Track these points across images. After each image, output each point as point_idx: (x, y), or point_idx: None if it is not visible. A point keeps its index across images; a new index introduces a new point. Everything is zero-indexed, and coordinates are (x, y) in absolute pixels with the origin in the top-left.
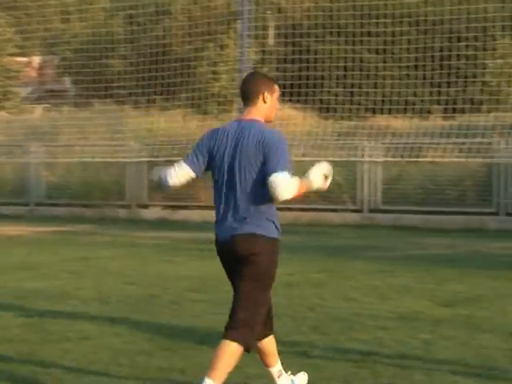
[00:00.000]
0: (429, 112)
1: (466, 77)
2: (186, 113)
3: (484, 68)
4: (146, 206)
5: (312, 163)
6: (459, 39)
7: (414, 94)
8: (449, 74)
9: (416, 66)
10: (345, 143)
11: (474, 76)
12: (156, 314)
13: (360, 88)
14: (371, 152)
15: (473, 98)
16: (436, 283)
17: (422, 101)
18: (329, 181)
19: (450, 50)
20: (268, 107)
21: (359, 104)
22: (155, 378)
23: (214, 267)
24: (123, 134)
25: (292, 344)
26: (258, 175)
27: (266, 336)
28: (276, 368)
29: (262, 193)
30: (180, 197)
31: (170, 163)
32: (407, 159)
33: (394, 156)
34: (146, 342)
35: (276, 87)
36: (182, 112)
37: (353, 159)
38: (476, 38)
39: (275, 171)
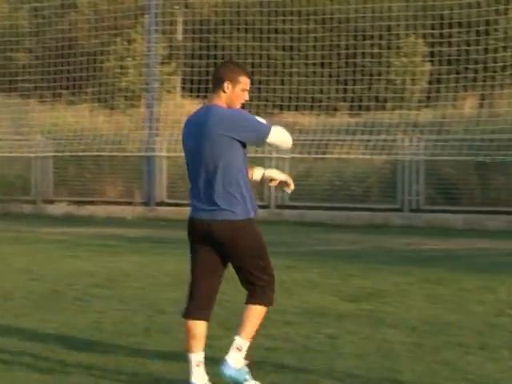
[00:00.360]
0: (335, 109)
1: (371, 75)
2: (93, 107)
3: (389, 66)
4: (51, 202)
5: None
6: (364, 37)
7: (321, 91)
8: (354, 72)
9: (323, 64)
10: None
11: (379, 74)
12: (60, 311)
13: (267, 84)
14: (278, 149)
15: (378, 96)
16: (341, 278)
17: (329, 98)
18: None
19: (356, 48)
20: (227, 96)
21: (267, 100)
22: (58, 374)
23: (120, 263)
24: (29, 129)
25: None
26: (225, 157)
27: (206, 318)
28: (198, 356)
29: (231, 175)
30: (86, 192)
31: (77, 158)
32: (314, 156)
33: (301, 152)
34: (50, 339)
35: (242, 79)
36: (89, 107)
37: (260, 155)
38: (381, 37)
39: (264, 137)
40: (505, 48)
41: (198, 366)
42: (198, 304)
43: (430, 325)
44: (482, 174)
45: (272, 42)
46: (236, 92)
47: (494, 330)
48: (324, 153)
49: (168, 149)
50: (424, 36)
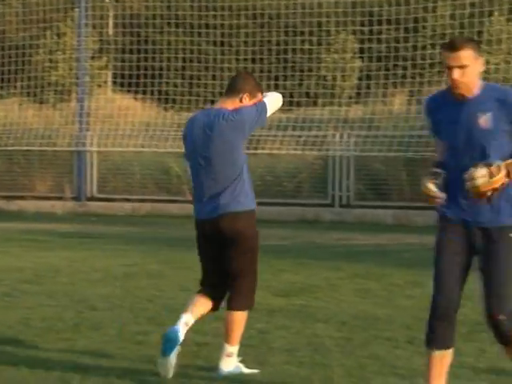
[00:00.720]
0: None
1: (302, 71)
2: (22, 101)
3: (319, 62)
4: None
5: (151, 154)
6: (295, 33)
7: None
8: (286, 68)
9: (254, 59)
10: (176, 134)
11: (310, 70)
12: None
13: (199, 79)
14: None
15: (309, 92)
16: (272, 274)
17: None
18: None
19: (287, 44)
20: (241, 106)
21: (198, 95)
22: None
23: (50, 258)
24: None
25: (128, 335)
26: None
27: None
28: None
29: (232, 172)
30: (15, 187)
31: (6, 152)
32: (247, 151)
33: None
34: None
35: (258, 94)
36: (18, 100)
37: None
38: (312, 33)
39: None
40: (433, 45)
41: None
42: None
43: (359, 319)
44: (411, 170)
45: (203, 37)
46: (247, 104)
47: (423, 325)
48: (256, 148)
49: (99, 143)
50: (354, 33)
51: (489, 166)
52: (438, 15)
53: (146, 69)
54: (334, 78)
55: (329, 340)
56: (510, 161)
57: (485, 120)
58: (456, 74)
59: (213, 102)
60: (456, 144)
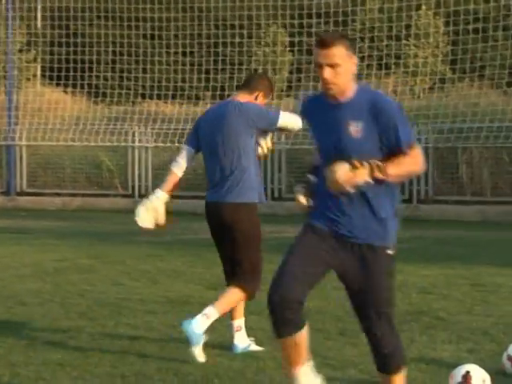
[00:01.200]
0: (198, 98)
1: (233, 64)
2: None
3: (251, 56)
4: None
5: (82, 148)
6: (226, 27)
7: (184, 80)
8: (217, 61)
9: (184, 53)
10: (115, 128)
11: (241, 63)
12: None
13: (130, 73)
14: (141, 137)
15: (240, 85)
16: (206, 267)
17: (192, 87)
18: None
19: (218, 38)
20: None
21: (129, 89)
22: None
23: None
24: None
25: (59, 330)
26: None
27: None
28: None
29: (236, 161)
30: None
31: None
32: (177, 145)
33: (164, 142)
34: None
35: (270, 95)
36: None
37: (123, 144)
38: (242, 26)
39: (276, 120)
40: (362, 39)
41: (237, 330)
42: None
43: None
44: None
45: (134, 30)
46: (261, 103)
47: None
48: None
49: (28, 137)
50: (285, 26)
51: (351, 161)
52: (367, 9)
53: (75, 62)
54: (266, 72)
55: (261, 332)
56: (375, 161)
57: (356, 129)
58: (327, 72)
59: (144, 95)
60: (327, 151)
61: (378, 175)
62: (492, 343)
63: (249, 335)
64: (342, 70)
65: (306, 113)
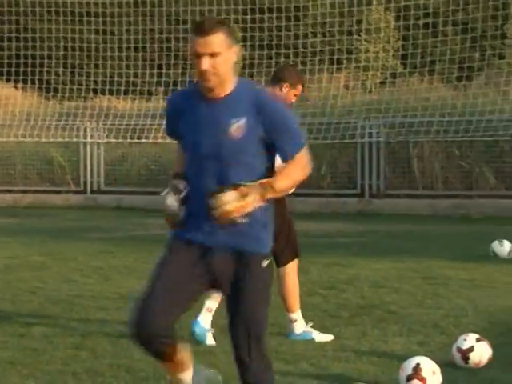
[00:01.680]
0: (151, 93)
1: (186, 59)
2: None
3: None
4: None
5: (33, 144)
6: (178, 22)
7: (136, 76)
8: (169, 56)
9: (137, 48)
10: (67, 124)
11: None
12: None
13: (81, 68)
14: (93, 133)
15: (193, 80)
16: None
17: (144, 82)
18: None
19: (170, 33)
20: (281, 95)
21: (81, 85)
22: None
23: None
24: None
25: (10, 328)
26: None
27: None
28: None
29: None
30: None
31: None
32: (130, 140)
33: (116, 137)
34: None
35: (298, 86)
36: None
37: (75, 140)
38: (195, 22)
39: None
40: (314, 34)
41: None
42: None
43: None
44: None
45: (86, 26)
46: (289, 94)
47: (306, 310)
48: (140, 137)
49: None
50: (237, 21)
51: (237, 187)
52: (319, 4)
53: (26, 57)
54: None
55: (215, 327)
56: (263, 180)
57: (237, 128)
58: (206, 63)
59: (95, 90)
60: (199, 155)
61: (269, 195)
62: (442, 335)
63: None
64: (222, 60)
65: (171, 111)
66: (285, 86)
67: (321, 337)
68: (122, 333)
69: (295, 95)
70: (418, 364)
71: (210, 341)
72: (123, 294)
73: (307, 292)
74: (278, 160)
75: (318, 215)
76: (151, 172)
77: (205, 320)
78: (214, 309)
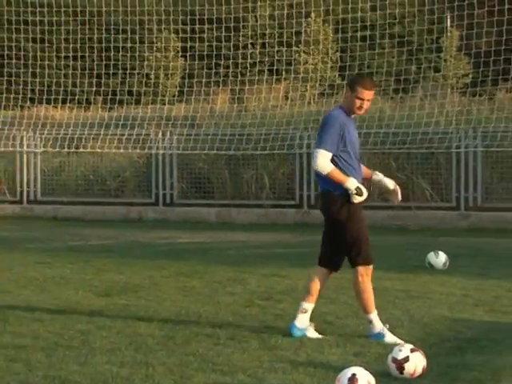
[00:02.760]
0: (89, 103)
1: (125, 69)
2: None
3: (142, 61)
4: None
5: None
6: (117, 31)
7: (75, 85)
8: (108, 66)
9: (75, 57)
10: (3, 133)
11: (133, 68)
12: None
13: (19, 77)
14: (30, 142)
15: (132, 90)
16: (95, 274)
17: (83, 91)
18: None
19: (109, 42)
20: (345, 99)
21: (18, 93)
22: None
23: None
24: None
25: None
26: None
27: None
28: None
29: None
30: None
31: None
32: (67, 150)
33: (53, 147)
34: None
35: (359, 89)
36: None
37: (11, 149)
38: (134, 31)
39: (316, 146)
40: (253, 45)
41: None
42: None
43: (182, 317)
44: (233, 168)
45: (23, 34)
46: (352, 98)
47: (244, 321)
48: (78, 147)
49: None
50: (177, 31)
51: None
52: (258, 15)
53: None
54: (157, 77)
55: (151, 339)
56: None
57: None
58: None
59: (33, 100)
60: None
61: None
62: (378, 346)
63: (136, 342)
64: None
65: None
66: (345, 90)
67: (392, 339)
68: (57, 344)
69: (358, 98)
70: (353, 375)
71: (312, 334)
72: (59, 305)
73: (244, 303)
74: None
75: (257, 226)
76: (89, 182)
77: (300, 321)
78: (309, 310)
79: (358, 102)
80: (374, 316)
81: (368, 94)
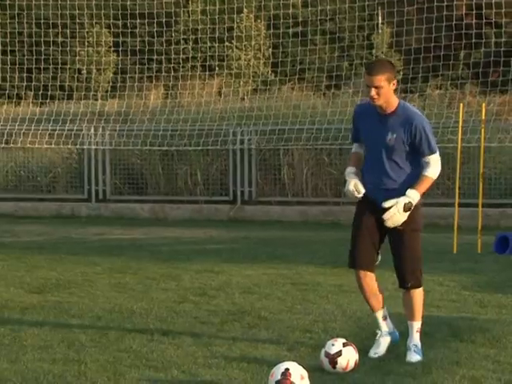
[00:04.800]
0: (20, 98)
1: (56, 64)
2: None
3: (74, 55)
4: None
5: None
6: (48, 26)
7: (5, 80)
8: (39, 60)
9: (5, 51)
10: None
11: (65, 63)
12: None
13: None
14: None
15: (64, 85)
16: (27, 270)
17: (13, 86)
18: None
19: (40, 36)
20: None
21: None
22: None
23: None
24: None
25: None
26: None
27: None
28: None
29: None
30: None
31: None
32: (3, 145)
33: None
34: None
35: (365, 76)
36: None
37: None
38: (65, 26)
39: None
40: (186, 40)
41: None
42: None
43: (115, 313)
44: (167, 164)
45: None
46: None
47: (177, 317)
48: (8, 142)
49: None
50: (109, 26)
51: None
52: (190, 11)
53: None
54: (90, 72)
55: (83, 335)
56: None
57: None
58: None
59: None
60: None
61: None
62: (311, 340)
63: (69, 339)
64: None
65: None
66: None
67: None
68: None
69: (367, 86)
70: (287, 369)
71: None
72: None
73: (178, 299)
74: None
75: (191, 222)
76: (19, 177)
77: (385, 327)
78: (387, 315)
79: (366, 91)
80: (377, 314)
81: (368, 80)
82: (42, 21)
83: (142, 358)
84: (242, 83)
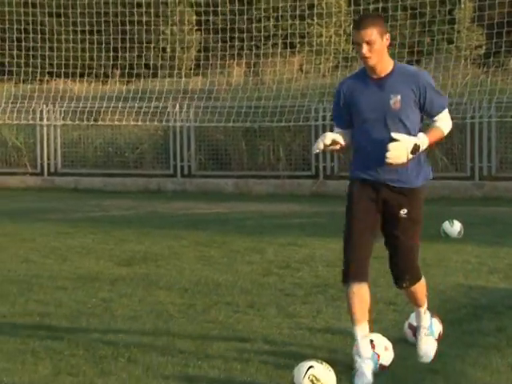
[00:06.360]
0: (107, 76)
1: (141, 43)
2: None
3: (159, 34)
4: None
5: None
6: (133, 5)
7: (92, 59)
8: (125, 40)
9: (92, 31)
10: (23, 106)
11: (149, 42)
12: None
13: (37, 51)
14: (50, 115)
15: (149, 64)
16: (115, 244)
17: (101, 65)
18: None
19: (125, 16)
20: None
21: (36, 67)
22: None
23: None
24: None
25: None
26: None
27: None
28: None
29: None
30: None
31: None
32: (87, 123)
33: (73, 120)
34: None
35: (352, 31)
36: None
37: (32, 123)
38: (149, 5)
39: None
40: (268, 18)
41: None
42: None
43: (201, 286)
44: (250, 140)
45: (39, 8)
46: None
47: (262, 289)
48: (97, 120)
49: None
50: (192, 5)
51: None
52: None
53: None
54: (174, 50)
55: (171, 307)
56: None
57: None
58: None
59: (51, 73)
60: None
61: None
62: (394, 313)
63: (157, 310)
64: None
65: None
66: None
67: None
68: (80, 312)
69: (354, 43)
70: (371, 340)
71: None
72: (81, 274)
73: (262, 272)
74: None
75: (274, 197)
76: (108, 154)
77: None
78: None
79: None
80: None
81: (358, 35)
82: (128, 1)
83: (229, 328)
84: (323, 60)
